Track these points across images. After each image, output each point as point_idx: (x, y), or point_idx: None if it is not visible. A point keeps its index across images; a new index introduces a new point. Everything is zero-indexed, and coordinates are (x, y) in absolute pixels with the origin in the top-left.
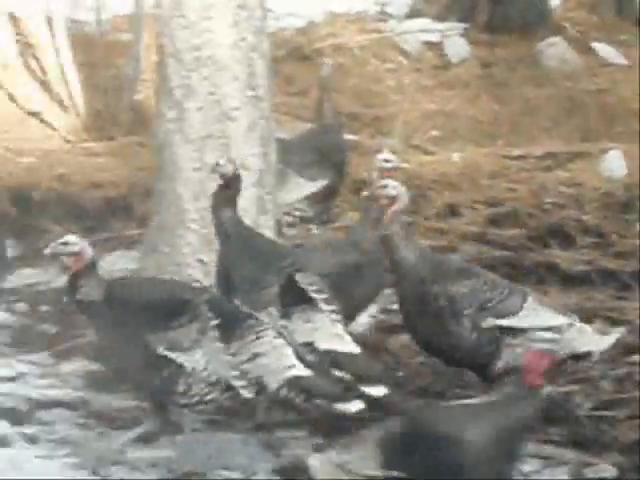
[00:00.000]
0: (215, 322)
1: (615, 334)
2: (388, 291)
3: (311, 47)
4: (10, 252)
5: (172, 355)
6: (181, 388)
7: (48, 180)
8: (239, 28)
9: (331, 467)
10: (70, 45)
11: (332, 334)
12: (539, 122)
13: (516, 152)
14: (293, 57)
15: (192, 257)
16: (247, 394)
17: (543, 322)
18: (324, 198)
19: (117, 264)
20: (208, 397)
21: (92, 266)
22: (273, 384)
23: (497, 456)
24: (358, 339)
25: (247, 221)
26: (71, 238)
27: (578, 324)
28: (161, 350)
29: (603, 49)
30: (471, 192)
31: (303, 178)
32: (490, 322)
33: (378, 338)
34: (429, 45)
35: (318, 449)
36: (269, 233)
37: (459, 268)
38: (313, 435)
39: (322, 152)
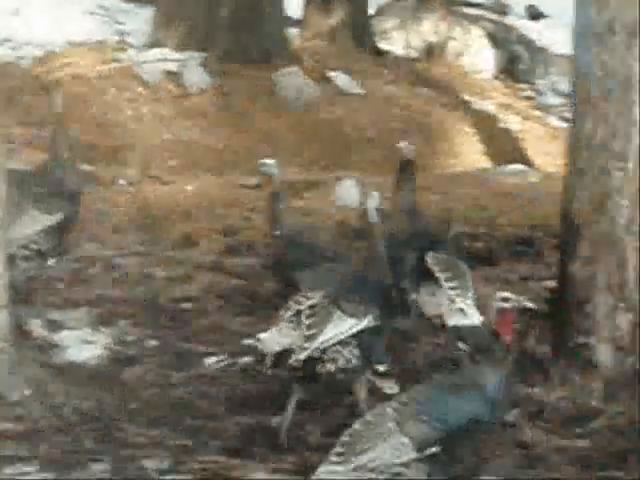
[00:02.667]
0: None
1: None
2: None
3: (50, 76)
4: None
5: None
6: None
7: None
8: None
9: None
10: None
11: (455, 309)
12: (277, 151)
13: (253, 181)
14: (31, 87)
15: None
16: None
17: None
18: (59, 230)
19: None
20: None
21: None
22: None
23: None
24: None
25: None
26: None
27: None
28: None
29: (340, 78)
30: (207, 221)
31: (39, 211)
32: None
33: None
34: (168, 75)
35: None
36: (0, 267)
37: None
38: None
39: (57, 185)
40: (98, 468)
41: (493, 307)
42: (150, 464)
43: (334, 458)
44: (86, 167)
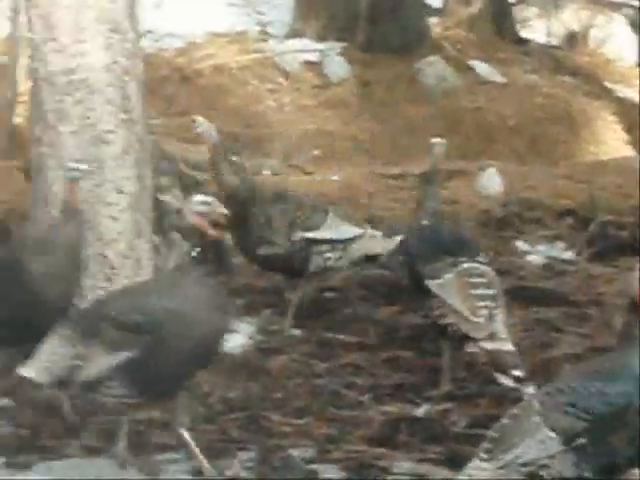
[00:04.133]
0: None
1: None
2: (267, 312)
3: (191, 68)
4: None
5: None
6: None
7: None
8: (112, 51)
9: None
10: None
11: None
12: (418, 141)
13: (395, 170)
14: (173, 78)
15: None
16: None
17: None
18: None
19: None
20: None
21: None
22: None
23: None
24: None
25: (122, 245)
26: None
27: (369, 232)
28: None
29: (481, 67)
30: (350, 211)
31: None
32: (299, 235)
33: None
34: (309, 65)
35: (196, 473)
36: (145, 257)
37: (274, 193)
38: (190, 458)
39: None
40: (245, 457)
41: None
42: (296, 453)
43: (483, 454)
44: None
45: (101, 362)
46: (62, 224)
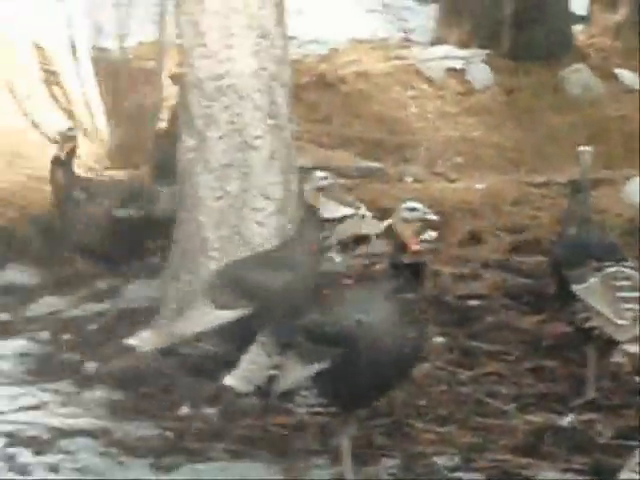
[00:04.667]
0: None
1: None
2: None
3: (334, 74)
4: (32, 280)
5: None
6: None
7: None
8: (260, 57)
9: None
10: (94, 73)
11: None
12: (562, 149)
13: (539, 179)
14: (316, 84)
15: None
16: None
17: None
18: None
19: (139, 292)
20: None
21: None
22: None
23: None
24: None
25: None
26: None
27: (362, 212)
28: None
29: (626, 75)
30: (494, 219)
31: None
32: None
33: None
34: (452, 72)
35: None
36: None
37: None
38: (334, 463)
39: None
40: (389, 463)
41: None
42: (439, 461)
43: (634, 467)
44: (373, 164)
45: (296, 373)
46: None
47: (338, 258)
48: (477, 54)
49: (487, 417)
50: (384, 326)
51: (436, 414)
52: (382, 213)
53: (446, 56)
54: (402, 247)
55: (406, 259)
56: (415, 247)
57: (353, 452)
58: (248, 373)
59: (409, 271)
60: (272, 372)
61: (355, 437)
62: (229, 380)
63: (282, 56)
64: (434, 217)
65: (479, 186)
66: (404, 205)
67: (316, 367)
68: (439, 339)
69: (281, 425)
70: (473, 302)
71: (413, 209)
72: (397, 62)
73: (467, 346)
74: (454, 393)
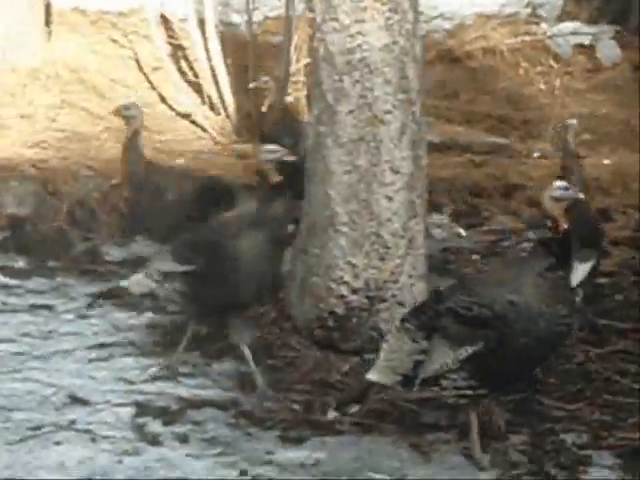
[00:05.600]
0: None
1: None
2: None
3: (461, 49)
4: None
5: None
6: None
7: None
8: (391, 31)
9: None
10: (221, 47)
11: None
12: None
13: None
14: (443, 59)
15: (342, 259)
16: None
17: None
18: None
19: None
20: None
21: None
22: None
23: None
24: None
25: (397, 224)
26: None
27: None
28: None
29: None
30: (623, 196)
31: None
32: None
33: None
34: (580, 48)
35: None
36: (419, 236)
37: None
38: (463, 438)
39: None
40: (517, 440)
41: None
42: (569, 438)
43: None
44: (500, 140)
45: (444, 356)
46: None
47: (464, 233)
48: (605, 30)
49: (616, 395)
50: (537, 305)
51: (565, 391)
52: (510, 189)
53: (574, 32)
54: (552, 225)
55: (556, 236)
56: (564, 225)
57: (480, 428)
58: (391, 363)
59: (559, 249)
60: (417, 357)
61: (480, 413)
62: (372, 375)
63: (413, 30)
64: (582, 195)
65: (607, 162)
66: (555, 184)
67: (468, 350)
68: None
69: (408, 400)
70: (602, 280)
71: (565, 188)
72: (525, 38)
73: (596, 324)
74: (583, 370)
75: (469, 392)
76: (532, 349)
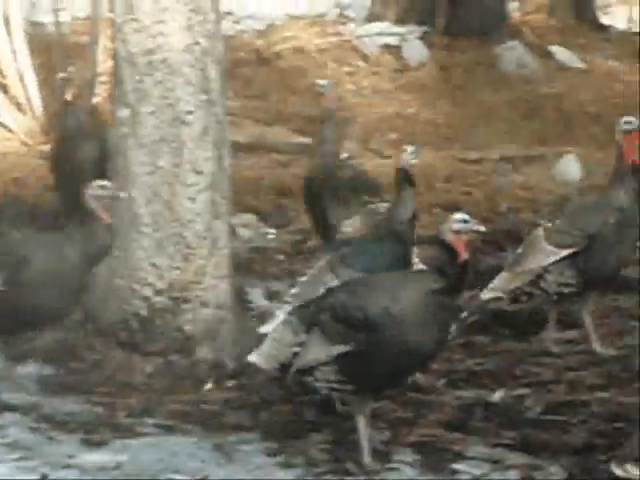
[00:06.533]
0: None
1: None
2: None
3: (270, 50)
4: None
5: None
6: None
7: (3, 184)
8: (192, 32)
9: None
10: (28, 47)
11: None
12: (496, 126)
13: (473, 156)
14: (252, 60)
15: (146, 261)
16: None
17: None
18: None
19: None
20: None
21: None
22: None
23: None
24: None
25: (200, 225)
26: None
27: None
28: None
29: (561, 53)
30: (427, 195)
31: None
32: None
33: None
34: (388, 48)
35: (270, 453)
36: (223, 237)
37: None
38: (265, 439)
39: None
40: (317, 438)
41: None
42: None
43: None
44: (305, 140)
45: (318, 351)
46: None
47: (273, 232)
48: (412, 31)
49: (418, 392)
50: (411, 320)
51: None
52: None
53: (382, 33)
54: (452, 256)
55: (454, 268)
56: (465, 257)
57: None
58: (273, 350)
59: (455, 277)
60: (296, 349)
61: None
62: (253, 357)
63: (215, 31)
64: (483, 229)
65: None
66: (455, 217)
67: (339, 348)
68: None
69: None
70: None
71: (464, 221)
72: (333, 38)
73: None
74: None
75: (337, 386)
76: (400, 359)
